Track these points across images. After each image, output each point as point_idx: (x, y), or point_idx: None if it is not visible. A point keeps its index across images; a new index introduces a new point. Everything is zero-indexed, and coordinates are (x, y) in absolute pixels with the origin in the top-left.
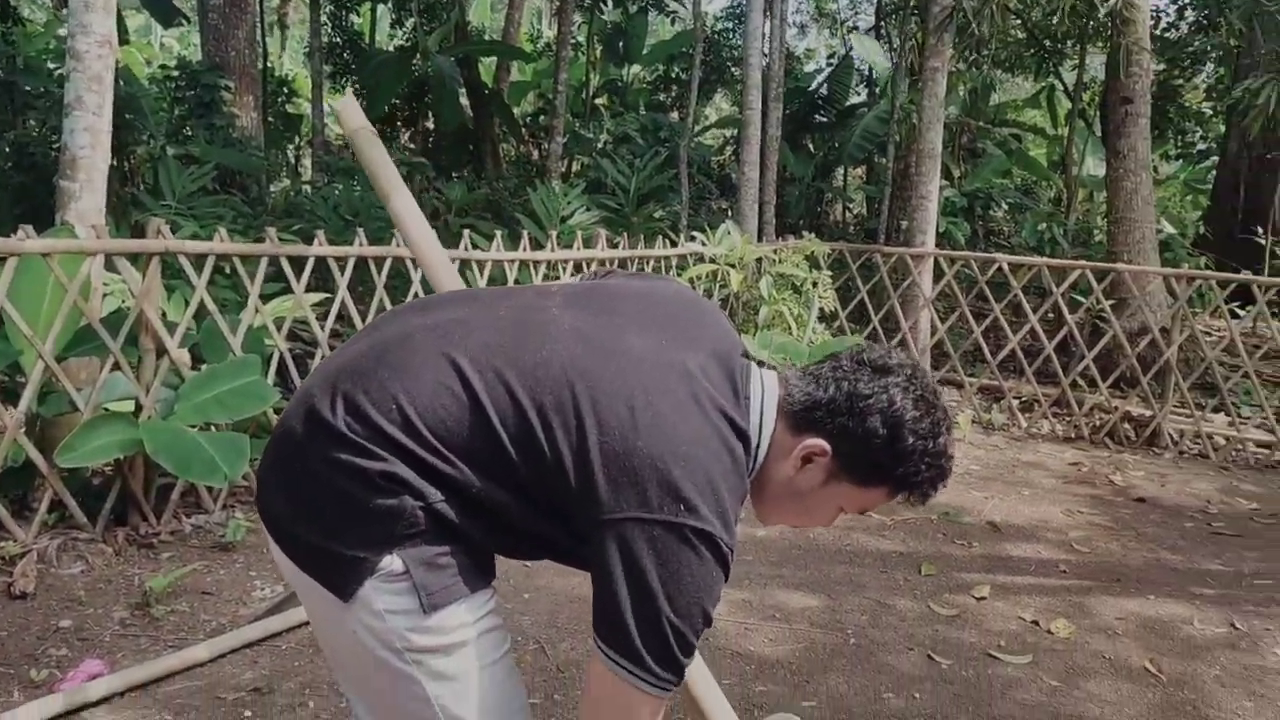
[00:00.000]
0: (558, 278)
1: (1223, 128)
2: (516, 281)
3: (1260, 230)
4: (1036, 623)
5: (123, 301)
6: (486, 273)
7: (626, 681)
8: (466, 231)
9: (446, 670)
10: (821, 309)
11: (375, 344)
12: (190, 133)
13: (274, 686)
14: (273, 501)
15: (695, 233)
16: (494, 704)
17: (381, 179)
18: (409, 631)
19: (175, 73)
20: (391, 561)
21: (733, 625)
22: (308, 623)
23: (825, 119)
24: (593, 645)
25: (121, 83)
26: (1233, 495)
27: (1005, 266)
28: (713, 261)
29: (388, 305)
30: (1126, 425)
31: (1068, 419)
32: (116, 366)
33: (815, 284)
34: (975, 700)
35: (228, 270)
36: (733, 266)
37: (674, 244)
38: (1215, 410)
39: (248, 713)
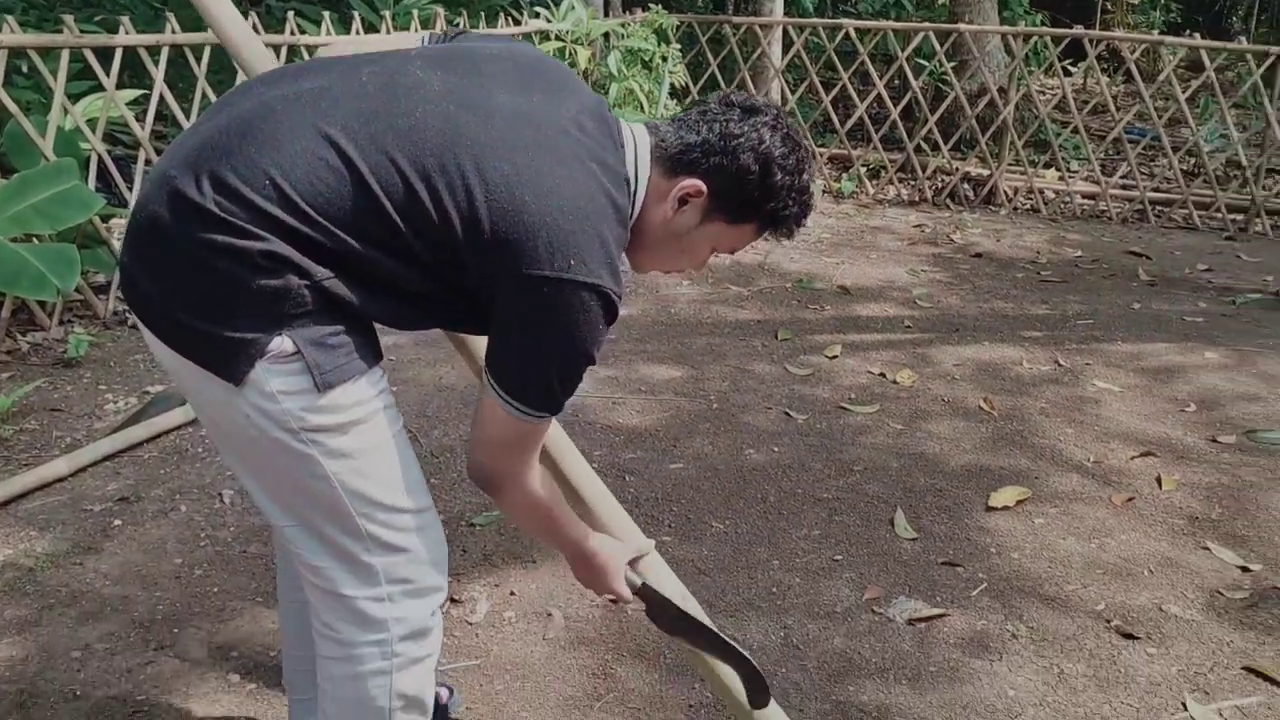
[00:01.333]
0: None
1: None
2: None
3: None
4: (883, 375)
5: None
6: None
7: (514, 415)
8: (291, 15)
9: (343, 447)
10: (672, 84)
11: (234, 119)
12: None
13: (141, 495)
14: (144, 292)
15: (539, 8)
16: (391, 477)
17: None
18: (304, 411)
19: None
20: (282, 342)
21: (601, 401)
22: (170, 431)
23: None
24: (484, 379)
25: None
26: (1060, 245)
27: (852, 32)
28: (559, 39)
29: (212, 99)
30: (966, 186)
31: (912, 183)
32: None
33: (665, 59)
34: (828, 449)
35: (25, 69)
36: (579, 43)
37: (517, 22)
38: (1046, 166)
39: (117, 522)
